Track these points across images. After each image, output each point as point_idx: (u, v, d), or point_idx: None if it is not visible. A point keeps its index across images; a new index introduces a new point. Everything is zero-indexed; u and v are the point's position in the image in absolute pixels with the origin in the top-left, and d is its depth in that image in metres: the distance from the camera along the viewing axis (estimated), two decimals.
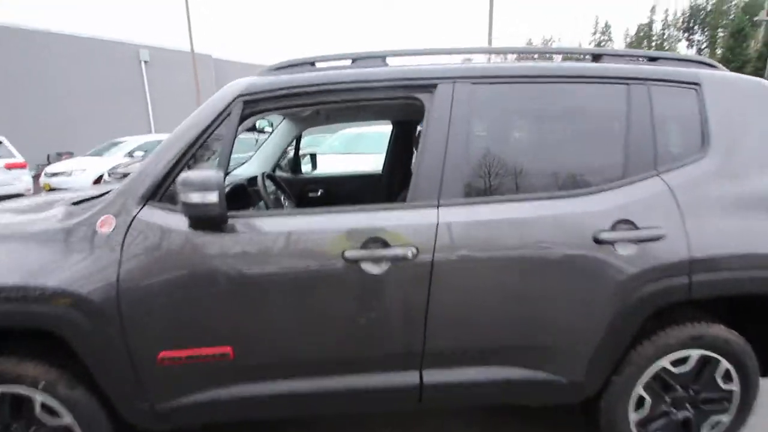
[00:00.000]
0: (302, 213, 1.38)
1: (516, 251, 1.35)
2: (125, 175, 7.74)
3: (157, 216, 1.32)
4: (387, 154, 2.99)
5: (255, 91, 1.39)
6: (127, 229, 1.31)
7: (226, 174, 2.59)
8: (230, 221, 1.32)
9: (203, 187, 1.16)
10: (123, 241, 1.30)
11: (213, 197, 1.15)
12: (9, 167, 7.49)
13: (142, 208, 1.33)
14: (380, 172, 3.03)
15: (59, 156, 13.70)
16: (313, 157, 3.14)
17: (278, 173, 2.90)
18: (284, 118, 2.65)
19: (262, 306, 1.34)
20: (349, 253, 1.31)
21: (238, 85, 1.41)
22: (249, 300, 1.33)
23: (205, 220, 1.23)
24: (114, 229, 1.31)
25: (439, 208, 1.36)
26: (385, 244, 1.32)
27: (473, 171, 1.40)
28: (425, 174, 1.38)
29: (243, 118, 1.40)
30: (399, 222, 1.35)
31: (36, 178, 9.33)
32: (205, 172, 1.17)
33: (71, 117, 14.66)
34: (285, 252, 1.32)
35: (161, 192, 1.34)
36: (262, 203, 1.74)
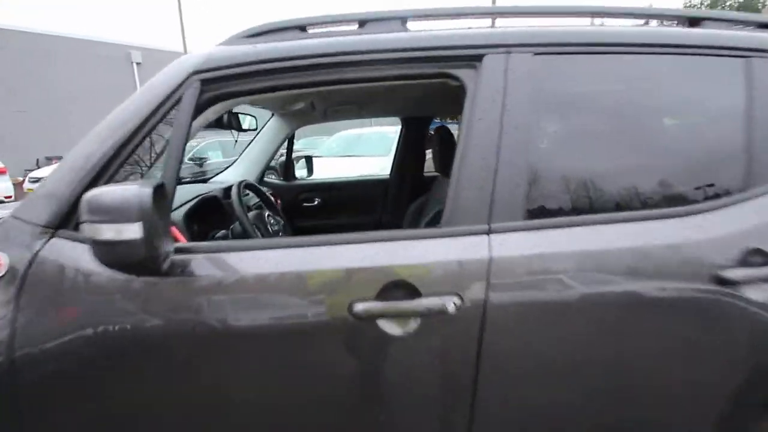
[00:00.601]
0: (288, 244, 0.94)
1: (604, 297, 0.92)
2: None
3: (69, 252, 0.88)
4: (396, 157, 2.55)
5: (217, 66, 0.95)
6: (26, 272, 0.87)
7: (193, 182, 2.18)
8: (180, 258, 0.88)
9: (118, 214, 0.71)
10: (19, 290, 0.86)
11: (133, 231, 0.71)
12: None
13: (48, 240, 0.89)
14: (387, 177, 2.59)
15: (49, 160, 13.21)
16: (308, 160, 2.70)
17: (268, 179, 2.46)
18: (273, 115, 2.21)
19: (227, 384, 0.91)
20: (359, 306, 0.87)
21: (192, 58, 0.97)
22: (208, 376, 0.90)
23: (126, 267, 0.78)
24: (6, 273, 0.87)
25: (491, 235, 0.92)
26: (413, 292, 0.89)
27: (539, 181, 0.96)
28: (468, 186, 0.94)
29: (201, 107, 0.96)
30: (432, 257, 0.91)
31: (22, 183, 8.92)
32: (123, 189, 0.73)
33: (60, 120, 14.17)
34: (261, 306, 0.88)
35: (76, 217, 0.90)
36: (239, 224, 1.31)
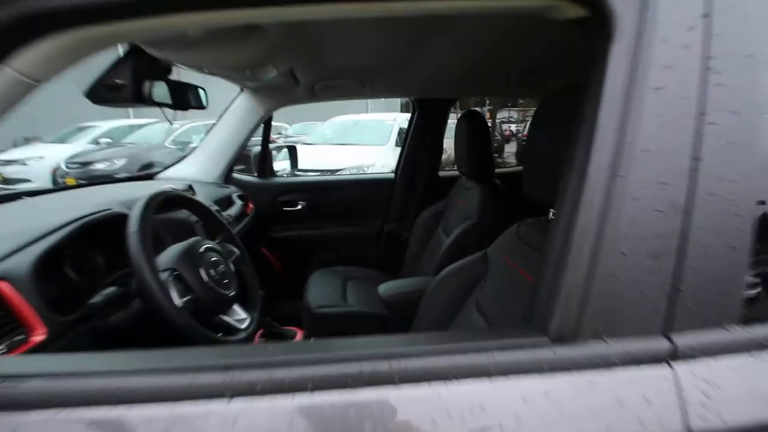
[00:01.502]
0: (183, 391, 0.39)
1: None
2: (84, 165, 6.76)
3: None
4: (404, 150, 1.98)
5: None
6: None
7: (130, 179, 1.56)
8: None
9: None
10: None
11: None
12: None
13: None
14: (391, 176, 2.04)
15: (27, 141, 12.41)
16: (292, 151, 2.13)
17: (238, 176, 1.90)
18: (241, 90, 1.64)
19: None
20: None
21: None
22: None
23: None
24: None
25: (678, 363, 0.38)
26: None
27: None
28: (616, 242, 0.40)
29: None
30: (531, 422, 0.37)
31: None
32: None
33: (43, 98, 13.29)
34: None
35: None
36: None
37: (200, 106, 1.18)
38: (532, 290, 0.77)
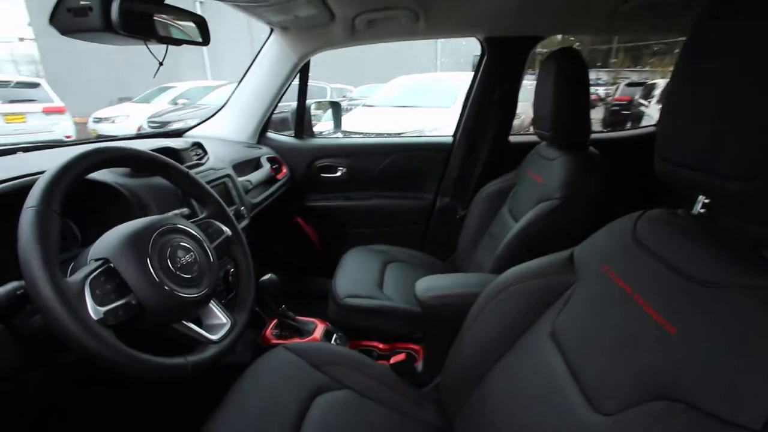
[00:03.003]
0: None
1: None
2: (163, 125, 7.18)
3: None
4: (467, 106, 1.60)
5: None
6: None
7: (153, 135, 1.34)
8: None
9: None
10: None
11: None
12: (47, 111, 7.10)
13: None
14: (448, 140, 1.68)
15: (121, 101, 13.61)
16: (335, 107, 1.84)
17: (273, 135, 1.68)
18: (271, 31, 1.36)
19: None
20: None
21: None
22: None
23: None
24: None
25: None
26: None
27: None
28: None
29: None
30: None
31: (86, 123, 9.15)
32: None
33: (135, 60, 14.32)
34: None
35: None
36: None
37: (200, 42, 0.93)
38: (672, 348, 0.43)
